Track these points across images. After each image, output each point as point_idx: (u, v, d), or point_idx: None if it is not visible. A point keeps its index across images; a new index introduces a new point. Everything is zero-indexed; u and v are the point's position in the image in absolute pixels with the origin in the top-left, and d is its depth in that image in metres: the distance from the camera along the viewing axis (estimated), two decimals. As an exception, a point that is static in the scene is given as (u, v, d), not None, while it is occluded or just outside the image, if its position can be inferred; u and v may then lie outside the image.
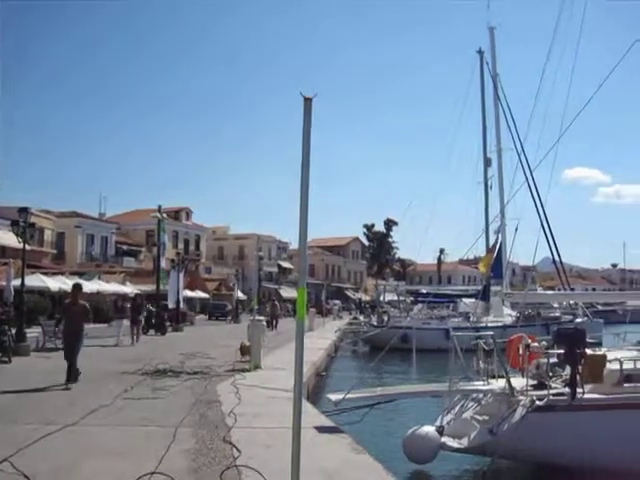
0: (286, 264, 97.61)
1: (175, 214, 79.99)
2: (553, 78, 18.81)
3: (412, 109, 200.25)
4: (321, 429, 10.97)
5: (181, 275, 43.83)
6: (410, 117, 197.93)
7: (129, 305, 36.38)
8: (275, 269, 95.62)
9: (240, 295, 67.39)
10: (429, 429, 12.98)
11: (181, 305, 43.98)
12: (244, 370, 18.58)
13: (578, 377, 12.22)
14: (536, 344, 13.74)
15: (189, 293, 59.46)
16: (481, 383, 13.77)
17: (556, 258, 37.57)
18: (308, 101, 5.79)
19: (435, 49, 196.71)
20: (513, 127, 39.37)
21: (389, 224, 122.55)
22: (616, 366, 12.65)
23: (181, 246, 78.37)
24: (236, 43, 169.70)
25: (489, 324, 37.32)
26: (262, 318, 24.12)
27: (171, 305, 42.26)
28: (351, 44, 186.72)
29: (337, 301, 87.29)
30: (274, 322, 45.71)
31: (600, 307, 54.77)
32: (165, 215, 44.68)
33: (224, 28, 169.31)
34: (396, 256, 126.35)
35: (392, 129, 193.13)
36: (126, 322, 30.75)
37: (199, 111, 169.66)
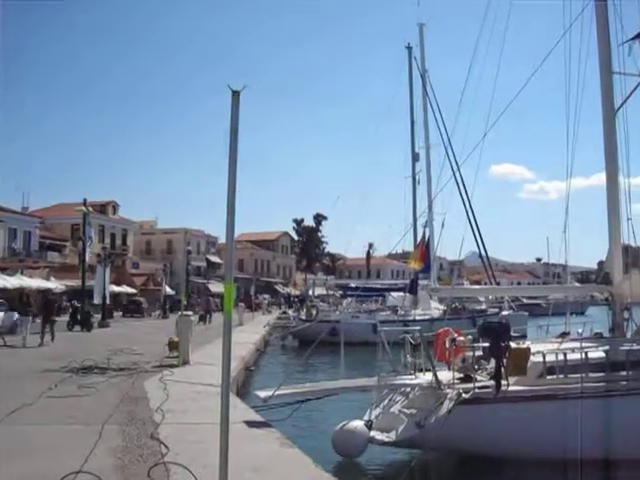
0: (215, 258, 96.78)
1: (101, 208, 78.30)
2: (480, 74, 19.06)
3: (343, 105, 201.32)
4: (250, 424, 10.94)
5: (107, 270, 42.95)
6: (341, 112, 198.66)
7: (39, 300, 35.03)
8: (204, 264, 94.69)
9: (168, 290, 66.51)
10: (358, 423, 13.07)
11: (107, 301, 43.09)
12: (172, 366, 18.39)
13: (503, 370, 12.51)
14: (462, 338, 13.98)
15: (115, 288, 58.36)
16: (409, 377, 13.96)
17: (482, 253, 38.24)
18: (236, 94, 5.71)
19: (366, 45, 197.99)
20: (441, 122, 39.87)
21: (319, 219, 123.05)
22: (539, 358, 12.98)
23: (107, 240, 76.74)
24: (171, 43, 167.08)
25: (417, 317, 37.92)
26: (190, 313, 23.87)
27: (97, 301, 41.44)
28: (283, 41, 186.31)
29: (266, 296, 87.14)
30: (208, 317, 45.65)
31: (525, 300, 56.21)
32: (91, 209, 43.66)
33: (159, 28, 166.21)
34: (325, 250, 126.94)
35: (323, 124, 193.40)
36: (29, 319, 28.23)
37: (133, 104, 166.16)
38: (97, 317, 40.09)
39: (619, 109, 16.11)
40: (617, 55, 15.97)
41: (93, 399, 13.06)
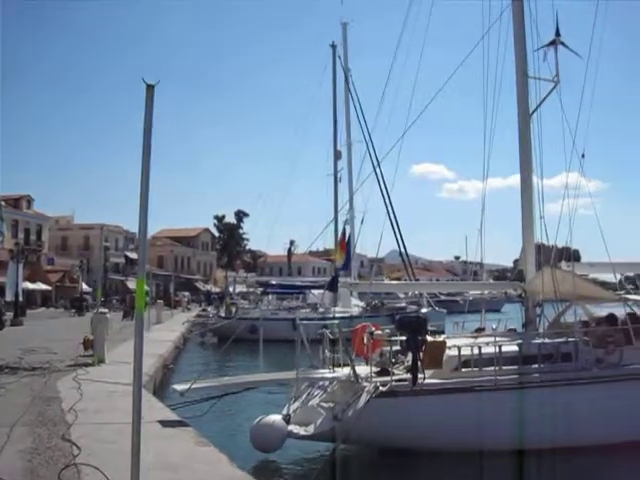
0: (134, 255, 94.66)
1: (15, 202, 75.93)
2: (401, 73, 19.31)
3: (268, 102, 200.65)
4: (165, 423, 10.79)
5: (20, 266, 41.66)
6: (266, 110, 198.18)
7: None
8: (122, 260, 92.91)
9: (85, 287, 65.04)
10: (276, 418, 13.05)
11: (20, 298, 41.80)
12: (87, 365, 17.98)
13: (419, 363, 12.71)
14: (379, 332, 14.14)
15: (29, 285, 56.71)
16: (327, 371, 14.02)
17: (402, 250, 38.74)
18: (150, 88, 5.60)
19: (293, 44, 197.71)
20: (363, 121, 40.16)
21: (240, 215, 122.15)
22: (455, 352, 13.27)
23: (21, 236, 74.36)
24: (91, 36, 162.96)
25: (337, 314, 38.04)
26: (106, 310, 23.38)
27: (9, 298, 40.16)
28: (213, 43, 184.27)
29: (186, 293, 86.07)
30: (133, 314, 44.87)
31: (443, 297, 57.15)
32: (3, 203, 42.28)
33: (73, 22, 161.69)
34: (247, 247, 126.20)
35: (248, 122, 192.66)
36: None
37: (50, 96, 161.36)
38: (9, 315, 38.83)
39: (534, 112, 16.59)
40: (533, 60, 16.46)
41: (2, 400, 12.64)
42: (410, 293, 47.03)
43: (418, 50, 19.18)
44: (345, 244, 41.86)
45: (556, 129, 16.53)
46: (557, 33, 15.91)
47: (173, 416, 11.69)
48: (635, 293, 18.52)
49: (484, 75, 17.01)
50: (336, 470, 11.83)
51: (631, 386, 13.68)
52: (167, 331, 35.69)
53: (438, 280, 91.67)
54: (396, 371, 13.30)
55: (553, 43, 15.89)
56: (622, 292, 17.38)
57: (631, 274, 21.54)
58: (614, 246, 17.77)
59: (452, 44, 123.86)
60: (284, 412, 13.52)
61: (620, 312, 15.85)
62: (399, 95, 19.70)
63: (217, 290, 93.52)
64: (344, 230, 42.67)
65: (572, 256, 18.05)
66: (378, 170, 28.35)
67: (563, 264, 17.00)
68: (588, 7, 20.39)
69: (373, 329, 14.00)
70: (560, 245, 17.70)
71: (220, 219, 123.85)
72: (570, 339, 14.14)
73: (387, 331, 14.36)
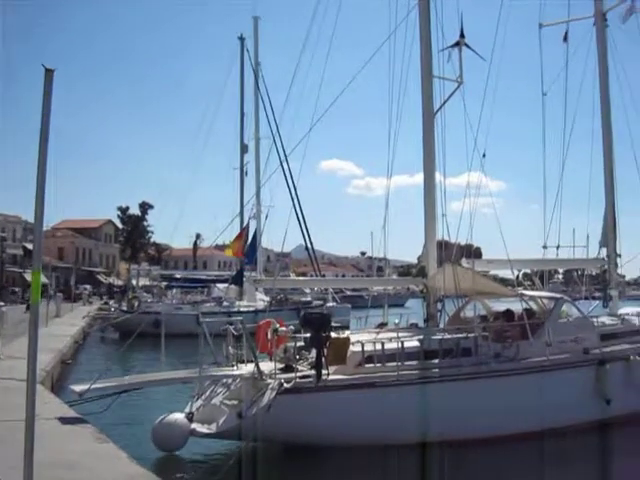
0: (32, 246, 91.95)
1: None
2: (310, 71, 19.30)
3: (175, 92, 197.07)
4: (64, 420, 10.51)
5: None
6: (173, 100, 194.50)
7: None
8: (20, 252, 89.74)
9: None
10: (178, 416, 12.87)
11: None
12: (-20, 361, 17.28)
13: (323, 360, 12.78)
14: (283, 328, 14.14)
15: None
16: (230, 368, 13.91)
17: (308, 245, 38.88)
18: (49, 73, 5.39)
19: (204, 36, 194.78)
20: (272, 115, 40.01)
21: (145, 207, 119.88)
22: (358, 348, 13.41)
23: None
24: None
25: (242, 309, 37.96)
26: (1, 304, 22.53)
27: None
28: (114, 28, 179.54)
29: (88, 286, 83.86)
30: None
31: (349, 292, 57.84)
32: None
33: None
34: (151, 240, 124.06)
35: (154, 111, 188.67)
36: None
37: None
38: None
39: (437, 112, 16.92)
40: (438, 60, 16.77)
41: None
42: (316, 288, 47.33)
43: (327, 47, 19.22)
44: (242, 237, 41.72)
45: (460, 129, 16.92)
46: (462, 35, 16.26)
47: (72, 413, 11.40)
48: (532, 289, 19.24)
49: (390, 74, 17.26)
50: (241, 468, 11.77)
51: (527, 379, 14.22)
52: (66, 325, 34.72)
53: (344, 276, 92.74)
54: (300, 367, 13.33)
55: (457, 44, 16.25)
56: (520, 288, 17.99)
57: (528, 271, 22.32)
58: (514, 244, 18.36)
59: (362, 42, 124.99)
60: (187, 410, 13.35)
61: (518, 307, 16.39)
62: (308, 91, 19.70)
63: (120, 283, 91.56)
64: (247, 224, 42.56)
65: (472, 253, 18.54)
66: (285, 165, 28.38)
67: (463, 261, 17.46)
68: (493, 11, 20.93)
69: (277, 325, 13.99)
70: (463, 242, 18.18)
71: (124, 211, 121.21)
72: (469, 334, 14.52)
73: (291, 327, 14.38)
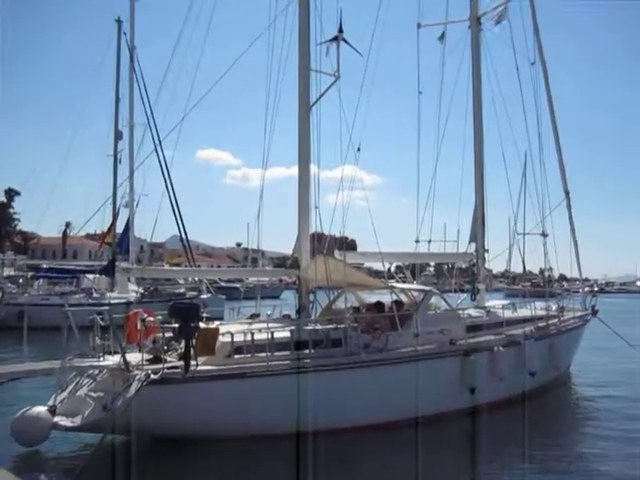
0: None
1: None
2: (187, 59, 18.95)
3: (48, 72, 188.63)
4: None
5: None
6: (44, 80, 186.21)
7: None
8: None
9: None
10: (40, 409, 12.41)
11: None
12: None
13: (192, 350, 12.62)
14: (152, 319, 13.88)
15: None
16: (97, 359, 13.50)
17: (183, 235, 38.40)
18: None
19: (80, 17, 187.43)
20: (147, 102, 39.02)
21: (10, 193, 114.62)
22: (228, 339, 13.34)
23: None
24: None
25: (113, 300, 36.93)
26: None
27: None
28: None
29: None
30: None
31: (223, 283, 57.42)
32: None
33: None
34: (17, 228, 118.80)
35: (23, 91, 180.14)
36: None
37: None
38: None
39: (314, 105, 17.02)
40: (316, 54, 16.86)
41: None
42: (190, 279, 46.72)
43: (205, 35, 18.94)
44: (109, 228, 40.85)
45: (336, 123, 17.05)
46: (340, 30, 16.40)
47: None
48: (403, 282, 19.75)
49: (268, 65, 17.23)
50: (107, 461, 11.46)
51: (396, 369, 14.59)
52: None
53: (219, 267, 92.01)
54: (169, 358, 13.14)
55: (336, 39, 16.39)
56: (392, 281, 18.42)
57: (400, 263, 22.90)
58: (389, 237, 18.77)
59: (245, 31, 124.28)
60: (50, 403, 12.85)
61: (389, 300, 16.77)
62: (185, 79, 19.32)
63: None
64: (118, 211, 41.55)
65: (345, 245, 18.80)
66: (160, 153, 27.88)
67: (336, 253, 17.68)
68: (373, 8, 21.28)
69: (145, 316, 13.71)
70: (338, 235, 18.42)
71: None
72: (340, 325, 14.72)
73: (159, 317, 14.12)
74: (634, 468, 12.53)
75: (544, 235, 22.61)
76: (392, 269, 23.77)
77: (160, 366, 12.49)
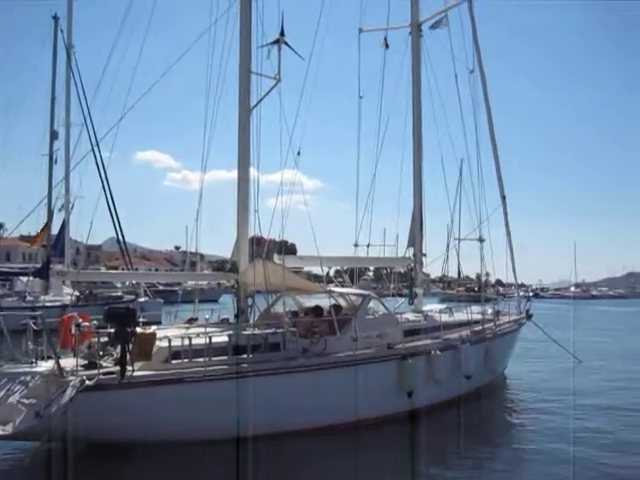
0: None
1: None
2: (125, 58, 18.61)
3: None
4: None
5: None
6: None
7: None
8: None
9: None
10: (-32, 417, 12.00)
11: None
12: None
13: (128, 355, 12.43)
14: (87, 323, 13.62)
15: None
16: (29, 365, 13.16)
17: (120, 238, 37.85)
18: None
19: (18, 12, 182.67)
20: (84, 101, 38.28)
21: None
22: (165, 344, 13.19)
23: None
24: None
25: (47, 304, 36.13)
26: None
27: None
28: None
29: None
30: None
31: (161, 287, 56.82)
32: None
33: None
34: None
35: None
36: None
37: None
38: None
39: (254, 108, 16.98)
40: (257, 57, 16.83)
41: None
42: (127, 282, 46.09)
43: (145, 33, 18.66)
44: (48, 227, 40.01)
45: (277, 126, 17.03)
46: (282, 33, 16.39)
47: None
48: (342, 286, 19.84)
49: (208, 67, 17.12)
50: (38, 470, 11.20)
51: (334, 373, 14.66)
52: None
53: (157, 270, 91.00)
54: (105, 364, 12.91)
55: (277, 42, 16.37)
56: (331, 285, 18.49)
57: (339, 268, 23.02)
58: (329, 242, 18.83)
59: (186, 31, 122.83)
60: (-23, 411, 12.46)
61: (328, 304, 16.81)
62: (123, 79, 19.00)
63: None
64: (52, 213, 40.68)
65: (284, 249, 18.79)
66: (97, 154, 27.43)
67: (275, 257, 17.66)
68: (315, 12, 21.33)
69: (80, 320, 13.45)
70: (278, 239, 18.40)
71: None
72: (278, 330, 14.72)
73: (94, 322, 13.86)
74: (561, 462, 12.97)
75: (481, 240, 22.99)
76: (331, 273, 23.85)
77: (95, 372, 12.25)
